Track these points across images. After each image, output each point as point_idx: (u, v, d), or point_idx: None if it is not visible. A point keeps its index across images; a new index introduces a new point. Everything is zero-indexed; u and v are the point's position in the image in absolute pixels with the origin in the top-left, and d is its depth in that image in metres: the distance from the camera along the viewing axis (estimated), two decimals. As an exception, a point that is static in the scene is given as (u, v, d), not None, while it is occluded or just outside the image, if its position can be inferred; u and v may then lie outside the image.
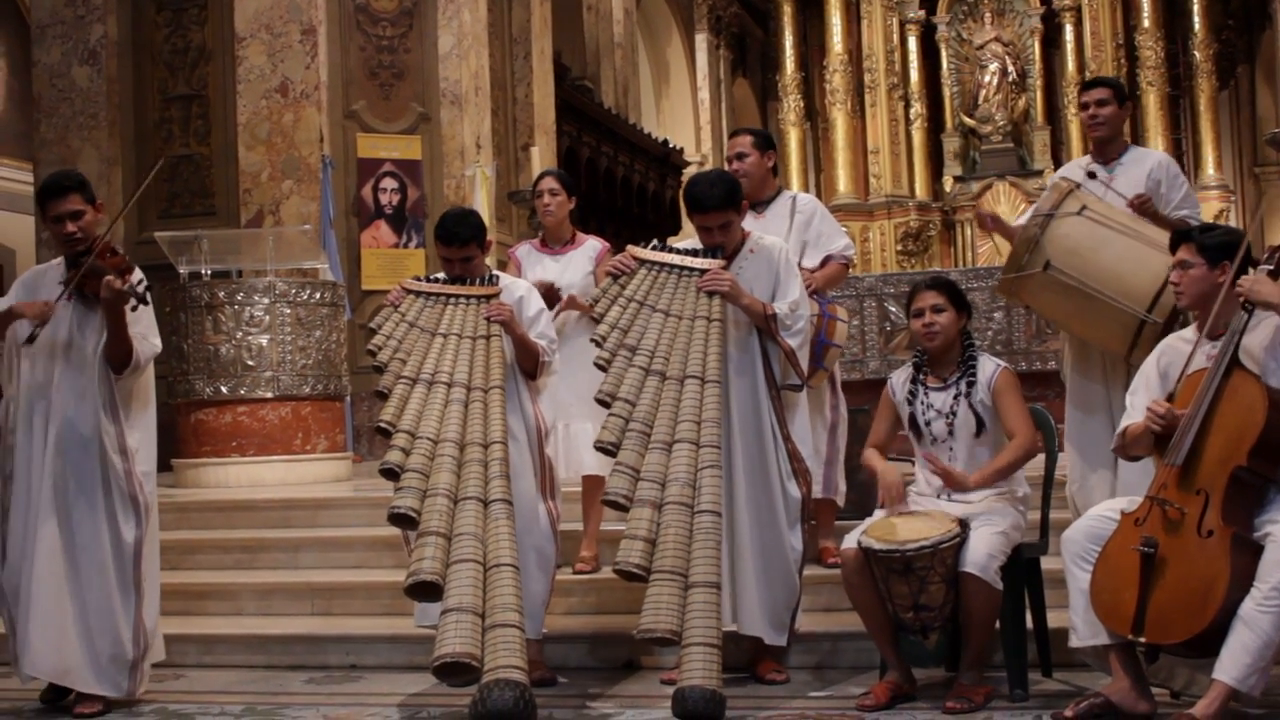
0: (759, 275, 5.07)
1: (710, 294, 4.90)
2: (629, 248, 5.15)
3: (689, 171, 19.98)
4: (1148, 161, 5.65)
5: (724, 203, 4.98)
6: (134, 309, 4.94)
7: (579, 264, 6.10)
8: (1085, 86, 5.84)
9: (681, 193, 5.24)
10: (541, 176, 6.37)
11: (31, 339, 4.92)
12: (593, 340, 4.90)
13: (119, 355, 5.01)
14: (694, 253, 5.05)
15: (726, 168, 5.90)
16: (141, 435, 5.16)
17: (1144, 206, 5.34)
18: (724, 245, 5.04)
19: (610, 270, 5.07)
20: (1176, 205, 5.50)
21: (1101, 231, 5.12)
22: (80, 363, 5.02)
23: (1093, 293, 5.06)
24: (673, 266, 5.00)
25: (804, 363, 5.10)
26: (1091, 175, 5.47)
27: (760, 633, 4.94)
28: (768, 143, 5.94)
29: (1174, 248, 4.46)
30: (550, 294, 5.90)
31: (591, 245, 6.21)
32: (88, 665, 4.98)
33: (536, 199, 6.27)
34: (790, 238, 5.75)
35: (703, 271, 4.94)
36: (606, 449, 4.63)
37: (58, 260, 5.17)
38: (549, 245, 6.25)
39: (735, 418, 4.90)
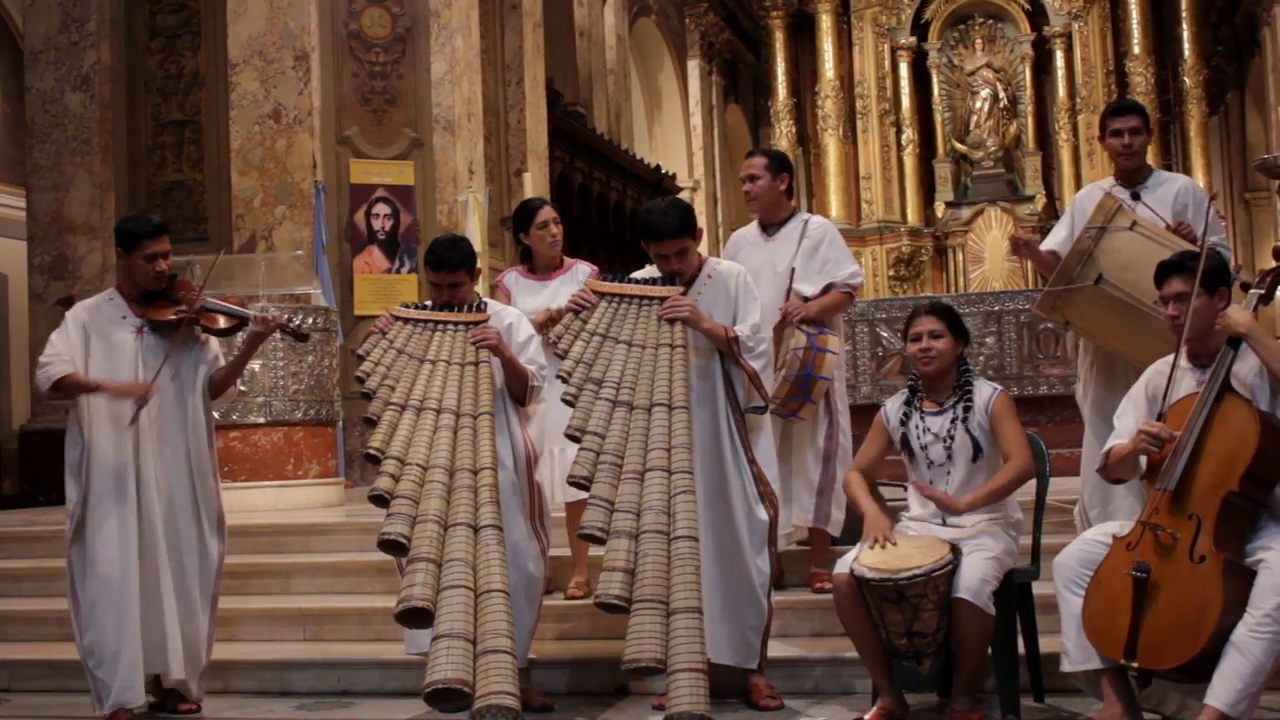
0: (717, 300, 5.09)
1: (671, 321, 4.92)
2: (589, 281, 5.19)
3: (680, 197, 20.01)
4: (1174, 185, 5.61)
5: (678, 230, 5.01)
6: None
7: (570, 289, 6.05)
8: (1117, 112, 5.66)
9: (635, 222, 5.28)
10: (540, 206, 6.24)
11: (134, 419, 5.20)
12: (559, 376, 4.90)
13: (230, 382, 5.52)
14: (652, 281, 5.07)
15: (741, 189, 5.92)
16: (215, 459, 5.56)
17: (1186, 233, 5.30)
18: (681, 272, 5.05)
19: (571, 306, 5.07)
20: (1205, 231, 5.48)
21: (1153, 248, 5.07)
22: (173, 395, 5.33)
23: (1146, 309, 5.03)
24: (632, 297, 5.03)
25: (768, 385, 5.12)
26: (1136, 197, 5.45)
27: (723, 658, 4.91)
28: (781, 165, 5.95)
29: (1160, 280, 4.42)
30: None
31: (580, 269, 6.17)
32: (180, 666, 5.29)
33: (539, 229, 6.13)
34: (796, 261, 5.75)
35: (663, 299, 4.97)
36: (580, 483, 4.63)
37: (105, 295, 5.43)
38: (537, 272, 6.21)
39: (698, 443, 4.89)
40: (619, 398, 4.76)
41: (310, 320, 8.91)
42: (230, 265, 9.91)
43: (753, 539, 4.98)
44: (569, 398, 4.82)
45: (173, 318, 5.31)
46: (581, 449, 4.67)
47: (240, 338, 5.56)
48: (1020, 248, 5.62)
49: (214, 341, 5.50)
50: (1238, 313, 4.21)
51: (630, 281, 5.12)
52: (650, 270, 5.19)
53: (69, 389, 5.20)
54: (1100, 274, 5.13)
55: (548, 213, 6.16)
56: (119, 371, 5.25)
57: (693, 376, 4.96)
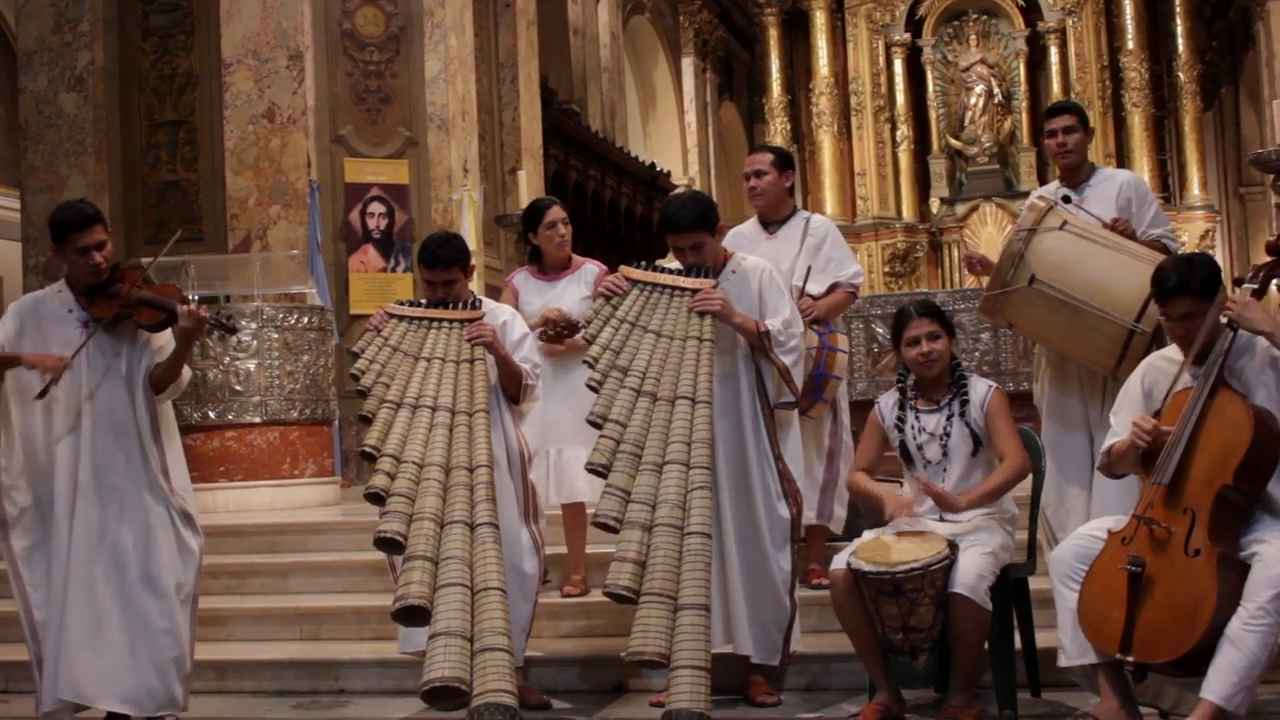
0: (741, 296, 5.07)
1: (702, 314, 4.91)
2: (622, 268, 5.15)
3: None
4: (1116, 181, 5.66)
5: (695, 224, 4.98)
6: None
7: (576, 289, 6.04)
8: (1050, 113, 5.80)
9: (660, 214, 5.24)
10: (549, 206, 6.18)
11: (43, 394, 4.87)
12: (585, 362, 4.89)
13: (169, 379, 5.07)
14: (685, 272, 5.06)
15: (744, 184, 5.91)
16: (175, 456, 5.17)
17: (1123, 228, 5.34)
18: (699, 266, 5.03)
19: (603, 291, 5.06)
20: (1150, 224, 5.51)
21: (1085, 245, 5.13)
22: (115, 391, 5.01)
23: (1079, 305, 5.06)
24: (664, 287, 5.00)
25: (799, 380, 5.10)
26: (1066, 200, 5.46)
27: (751, 652, 4.93)
28: (786, 162, 5.96)
29: (1162, 298, 4.36)
30: (567, 323, 5.86)
31: (589, 270, 6.12)
32: (143, 688, 4.90)
33: (548, 229, 6.08)
34: (799, 260, 5.75)
35: (694, 292, 4.95)
36: (597, 471, 4.62)
37: (55, 287, 5.13)
38: (546, 272, 6.18)
39: (722, 438, 4.89)
40: (643, 388, 4.74)
41: (306, 320, 8.93)
42: (225, 265, 9.91)
43: (774, 536, 4.97)
44: (593, 383, 4.79)
45: (105, 314, 4.99)
46: (602, 436, 4.65)
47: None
48: (976, 266, 5.62)
49: (160, 335, 5.13)
50: (1256, 310, 4.18)
51: (663, 271, 5.10)
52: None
53: None
54: (1033, 275, 5.14)
55: (556, 213, 6.12)
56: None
57: (721, 368, 4.94)
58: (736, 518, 4.94)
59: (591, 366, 4.83)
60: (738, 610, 4.91)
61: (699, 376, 4.77)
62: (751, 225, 6.01)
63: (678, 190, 5.41)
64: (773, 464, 5.01)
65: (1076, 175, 5.65)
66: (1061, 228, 5.19)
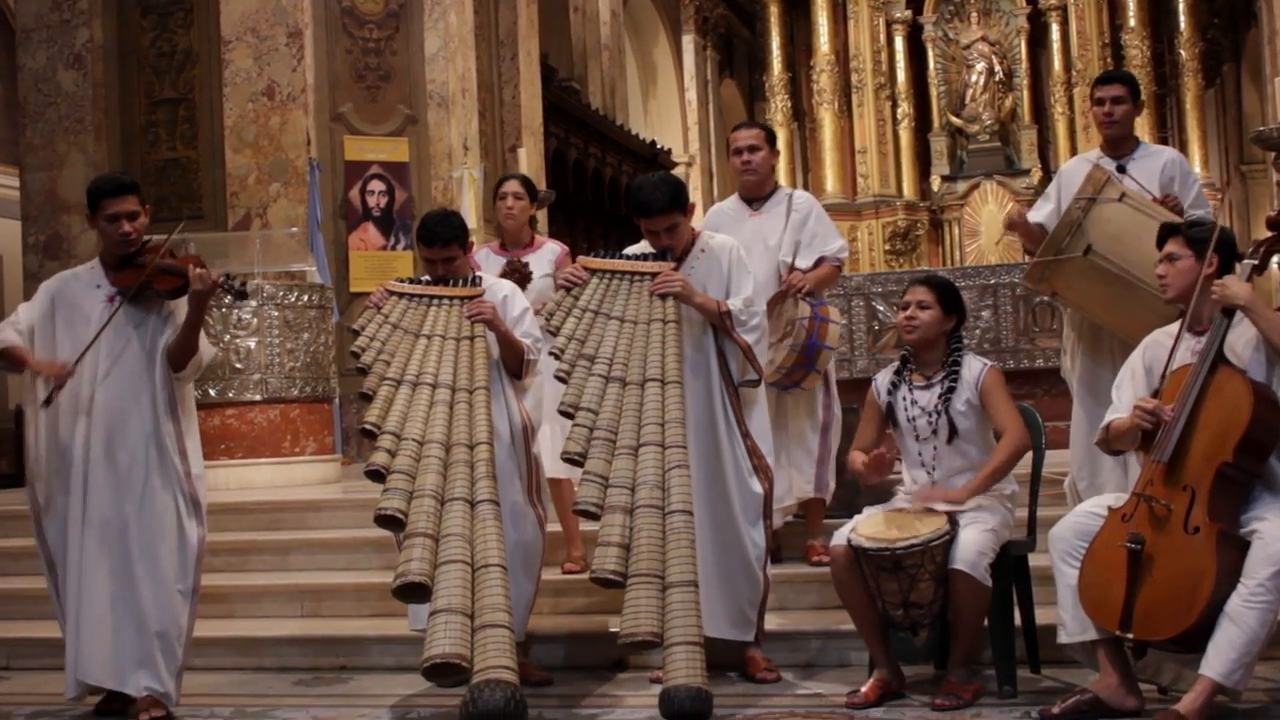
0: (711, 274, 5.08)
1: (663, 296, 4.92)
2: (580, 259, 5.18)
3: (676, 172, 19.99)
4: (1161, 158, 5.62)
5: (669, 205, 4.99)
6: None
7: (537, 267, 6.11)
8: (1100, 81, 5.73)
9: (626, 197, 5.26)
10: (505, 180, 6.41)
11: (48, 401, 4.84)
12: (551, 353, 4.91)
13: (186, 353, 4.99)
14: (644, 257, 5.06)
15: (734, 160, 5.89)
16: (193, 438, 5.12)
17: (1173, 205, 5.32)
18: (672, 248, 5.05)
19: (562, 283, 5.07)
20: (1192, 204, 5.48)
21: (1143, 219, 5.07)
22: (133, 364, 4.96)
23: (1133, 280, 5.03)
24: (624, 273, 5.03)
25: (762, 359, 5.12)
26: (1121, 170, 5.43)
27: (719, 632, 4.92)
28: (774, 138, 5.97)
29: (1161, 241, 4.47)
30: (523, 271, 5.96)
31: (550, 248, 6.24)
32: (141, 668, 4.88)
33: (499, 201, 6.29)
34: (784, 236, 5.75)
35: (654, 275, 4.96)
36: (574, 459, 4.64)
37: (88, 265, 5.12)
38: (507, 248, 6.30)
39: (690, 417, 4.88)
40: (611, 373, 4.77)
41: (306, 298, 8.93)
42: (225, 243, 9.90)
43: (747, 512, 4.99)
44: (561, 374, 4.82)
45: (131, 283, 4.95)
46: (575, 425, 4.68)
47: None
48: (1015, 225, 5.63)
49: (180, 309, 5.04)
50: (1237, 284, 4.21)
51: (622, 257, 5.12)
52: (644, 246, 5.18)
53: (10, 360, 4.93)
54: (1089, 245, 5.12)
55: (511, 186, 6.30)
56: (83, 341, 4.91)
57: (686, 348, 4.95)
58: (708, 494, 4.95)
59: (558, 357, 4.85)
60: (709, 588, 4.85)
61: (666, 358, 4.80)
62: (733, 203, 6.00)
63: (646, 174, 5.46)
64: (740, 440, 5.03)
65: (1121, 147, 5.60)
66: (1120, 199, 5.16)
